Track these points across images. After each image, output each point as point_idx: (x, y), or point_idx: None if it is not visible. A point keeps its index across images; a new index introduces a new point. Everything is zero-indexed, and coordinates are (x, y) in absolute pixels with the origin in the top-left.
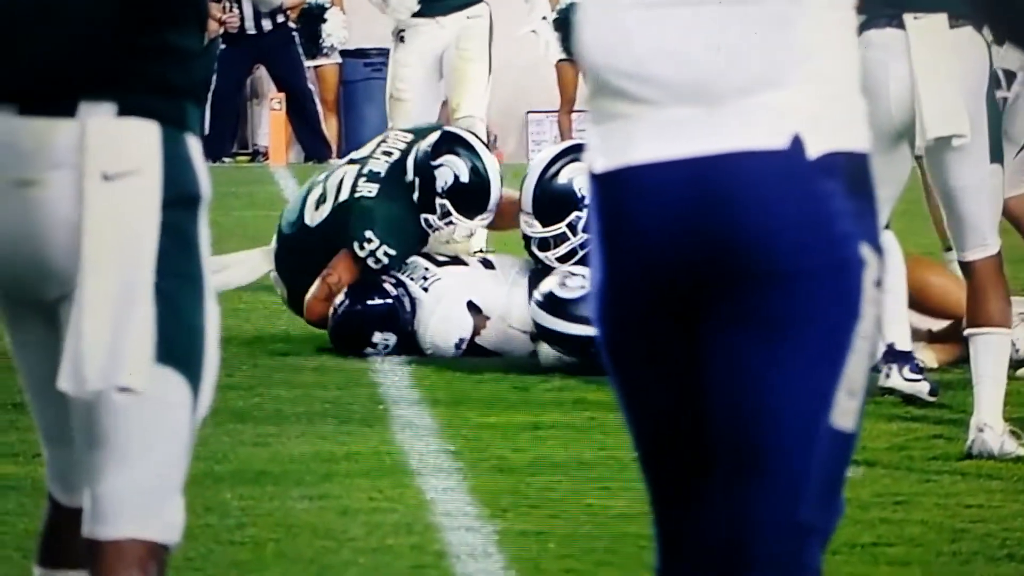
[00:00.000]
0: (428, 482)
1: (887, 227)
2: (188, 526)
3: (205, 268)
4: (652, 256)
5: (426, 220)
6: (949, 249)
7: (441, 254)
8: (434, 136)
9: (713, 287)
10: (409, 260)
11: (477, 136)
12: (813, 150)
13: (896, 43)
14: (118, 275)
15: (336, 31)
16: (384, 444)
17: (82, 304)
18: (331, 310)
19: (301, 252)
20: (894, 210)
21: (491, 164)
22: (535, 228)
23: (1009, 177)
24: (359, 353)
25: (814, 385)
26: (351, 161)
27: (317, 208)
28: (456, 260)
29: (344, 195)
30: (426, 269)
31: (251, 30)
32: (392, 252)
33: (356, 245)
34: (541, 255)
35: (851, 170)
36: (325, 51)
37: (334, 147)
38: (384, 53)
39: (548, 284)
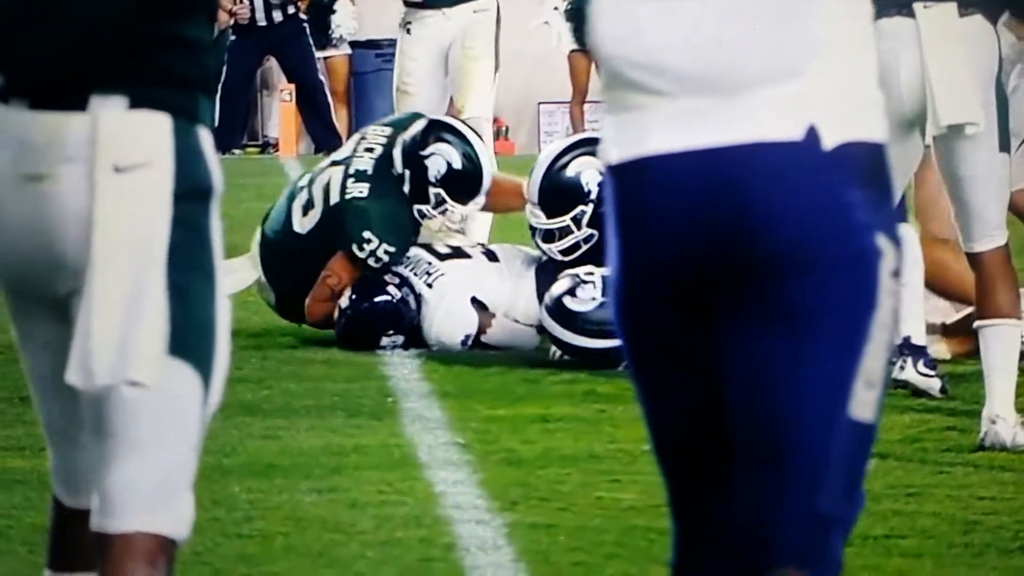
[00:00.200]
0: (437, 475)
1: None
2: (196, 519)
3: (217, 261)
4: (667, 246)
5: (419, 211)
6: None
7: (445, 245)
8: (418, 126)
9: (729, 278)
10: (411, 253)
11: (463, 121)
12: (829, 141)
13: (907, 32)
14: (129, 268)
15: (345, 22)
16: (393, 437)
17: (92, 297)
18: (336, 313)
19: (291, 258)
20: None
21: (480, 147)
22: (540, 219)
23: (1012, 171)
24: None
25: (832, 377)
26: (333, 163)
27: (305, 214)
28: (459, 252)
29: (334, 198)
30: (429, 264)
31: (262, 21)
32: (391, 249)
33: (355, 247)
34: (545, 247)
35: (867, 160)
36: (334, 42)
37: (344, 138)
38: (395, 44)
39: (558, 290)
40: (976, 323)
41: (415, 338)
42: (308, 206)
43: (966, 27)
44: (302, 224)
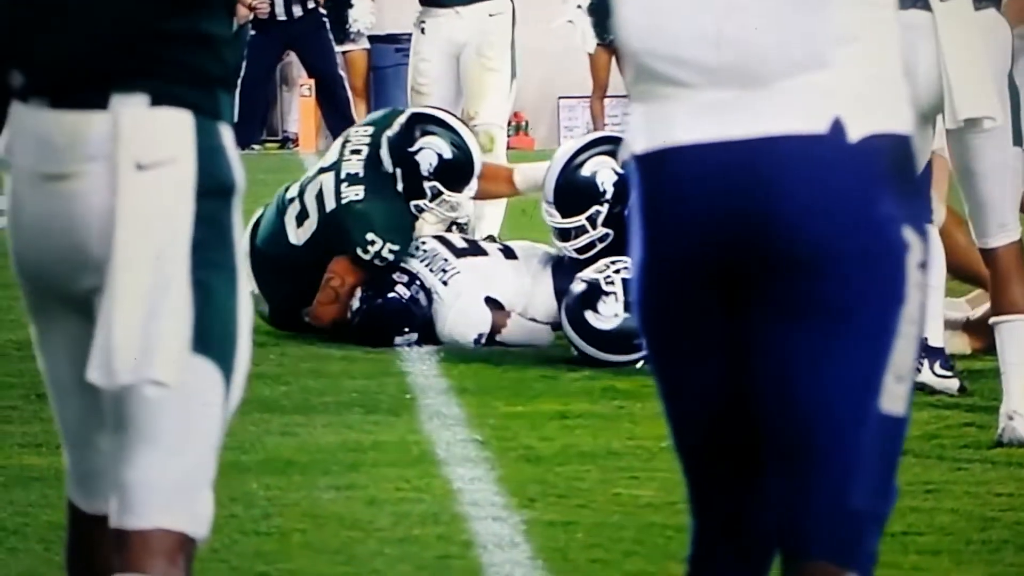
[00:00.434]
0: (455, 472)
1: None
2: (214, 516)
3: (239, 258)
4: (691, 237)
5: (416, 206)
6: None
7: (462, 239)
8: (400, 122)
9: (755, 272)
10: (427, 247)
11: (443, 109)
12: (854, 133)
13: (923, 25)
14: (152, 265)
15: (363, 16)
16: (411, 433)
17: (114, 294)
18: (348, 315)
19: (288, 270)
20: None
21: (466, 133)
22: (555, 218)
23: None
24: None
25: (862, 371)
26: (322, 170)
27: (300, 225)
28: (476, 249)
29: (330, 204)
30: (445, 260)
31: (281, 16)
32: (395, 248)
33: (359, 250)
34: (560, 245)
35: (893, 152)
36: (352, 36)
37: None
38: None
39: (579, 301)
40: (992, 319)
41: (429, 334)
42: (302, 216)
43: (981, 20)
44: (297, 235)
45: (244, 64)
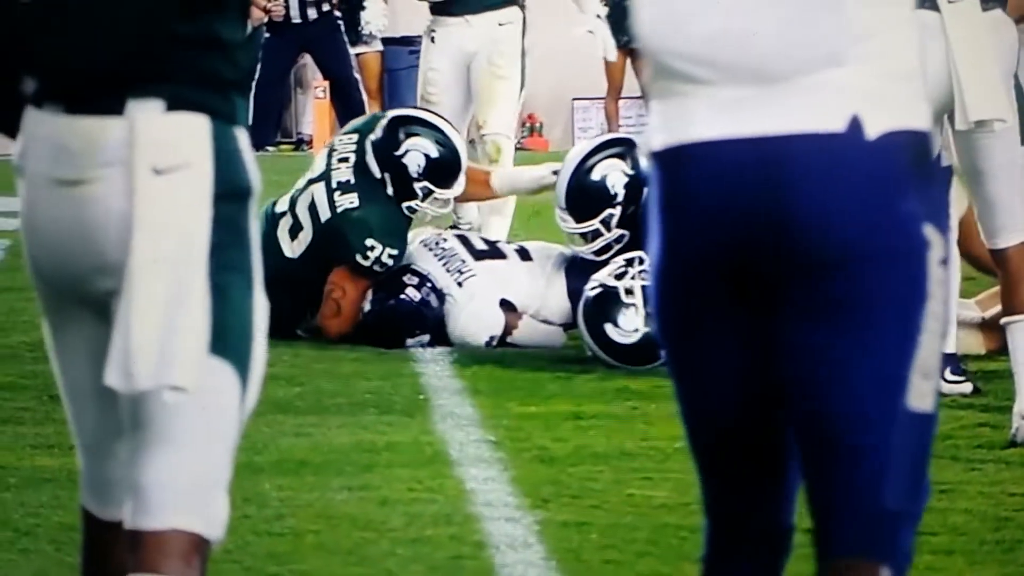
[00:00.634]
0: (468, 472)
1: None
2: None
3: (255, 260)
4: (708, 234)
5: (408, 207)
6: None
7: (481, 239)
8: (382, 126)
9: (775, 270)
10: (446, 246)
11: (423, 108)
12: (872, 130)
13: (932, 25)
14: (169, 269)
15: (375, 19)
16: (425, 434)
17: (131, 299)
18: (361, 318)
19: (283, 283)
20: None
21: (448, 128)
22: (569, 224)
23: None
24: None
25: (889, 369)
26: (311, 181)
27: (295, 238)
28: (495, 251)
29: (324, 214)
30: (463, 261)
31: (296, 19)
32: (394, 252)
33: (359, 256)
34: (577, 249)
35: (912, 149)
36: (365, 39)
37: None
38: None
39: (598, 313)
40: (1003, 320)
41: (441, 336)
42: (296, 229)
43: (989, 21)
44: (292, 249)
45: (259, 66)
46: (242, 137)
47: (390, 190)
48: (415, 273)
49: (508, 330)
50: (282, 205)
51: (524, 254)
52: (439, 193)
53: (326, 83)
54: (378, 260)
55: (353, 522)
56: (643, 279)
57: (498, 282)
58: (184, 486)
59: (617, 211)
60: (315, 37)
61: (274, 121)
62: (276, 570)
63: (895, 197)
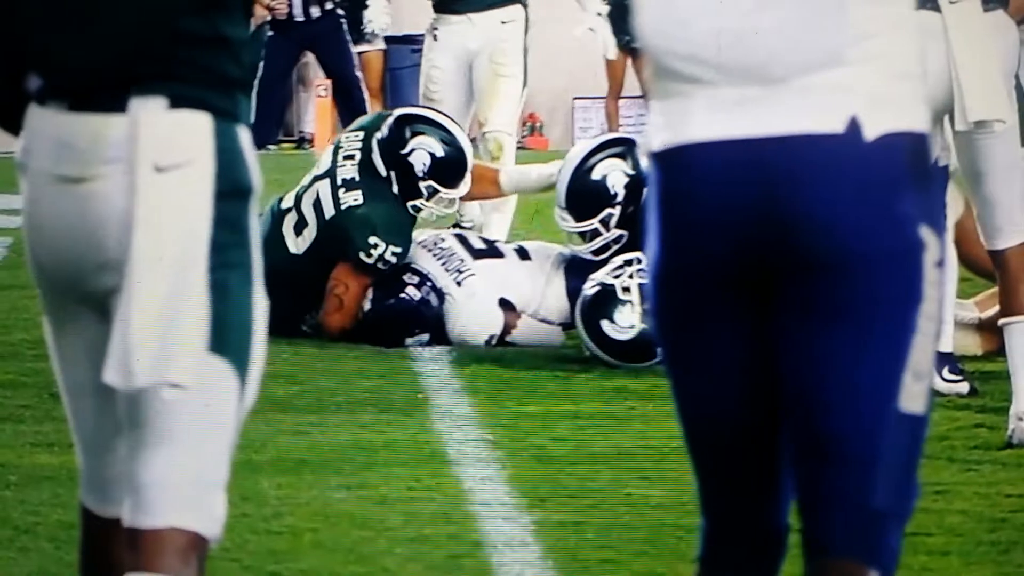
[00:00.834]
0: (466, 471)
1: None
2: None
3: (256, 259)
4: (705, 233)
5: (413, 206)
6: None
7: (479, 239)
8: (387, 125)
9: (772, 270)
10: (445, 245)
11: (427, 107)
12: (870, 132)
13: (933, 26)
14: (170, 267)
15: (378, 17)
16: (423, 433)
17: (132, 296)
18: (361, 317)
19: (288, 279)
20: None
21: (455, 128)
22: (569, 223)
23: None
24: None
25: (881, 370)
26: (316, 178)
27: (299, 234)
28: (493, 250)
29: (329, 211)
30: (461, 261)
31: (299, 17)
32: (398, 250)
33: (362, 254)
34: (576, 248)
35: (910, 151)
36: (368, 37)
37: None
38: None
39: (595, 310)
40: (1001, 321)
41: (441, 335)
42: (300, 225)
43: (990, 21)
44: (297, 244)
45: (261, 64)
46: (244, 135)
47: (395, 188)
48: (415, 272)
49: (507, 329)
50: (288, 201)
51: (523, 253)
52: (444, 193)
53: (328, 81)
54: (381, 258)
55: (351, 521)
56: (641, 278)
57: (497, 281)
58: (182, 484)
59: (616, 211)
60: (317, 35)
61: (276, 119)
62: (274, 568)
63: (891, 198)
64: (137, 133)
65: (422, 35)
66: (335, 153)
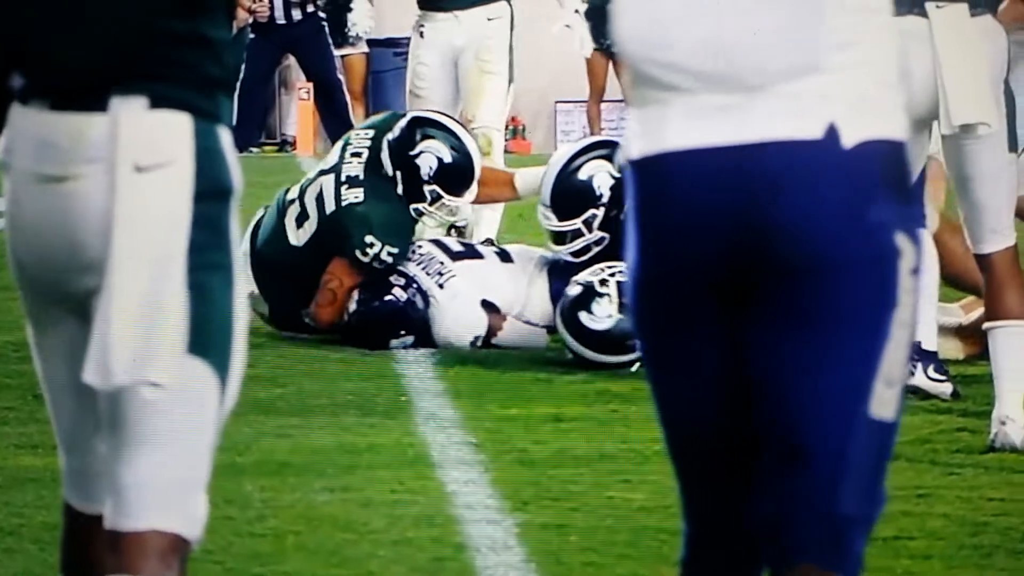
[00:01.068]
0: (450, 474)
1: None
2: (208, 518)
3: (236, 260)
4: (684, 241)
5: (415, 209)
6: None
7: (457, 242)
8: (401, 125)
9: (748, 277)
10: (423, 250)
11: (441, 112)
12: (849, 139)
13: (919, 31)
14: (149, 267)
15: (361, 20)
16: (406, 436)
17: (111, 296)
18: (345, 317)
19: (289, 271)
20: None
21: (466, 137)
22: (552, 222)
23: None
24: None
25: (852, 376)
26: (322, 172)
27: (300, 226)
28: (472, 252)
29: (330, 206)
30: (441, 263)
31: (281, 20)
32: (394, 251)
33: (358, 252)
34: (556, 248)
35: (888, 158)
36: (351, 40)
37: None
38: None
39: (573, 302)
40: (985, 324)
41: (425, 337)
42: (302, 218)
43: (977, 26)
44: (297, 236)
45: (243, 67)
46: (225, 136)
47: (400, 189)
48: (401, 274)
49: (493, 331)
50: (293, 193)
51: (504, 256)
52: (448, 199)
53: (310, 84)
54: (377, 257)
55: (335, 523)
56: (621, 276)
57: (478, 282)
58: (163, 486)
59: (600, 212)
60: (299, 38)
61: (258, 122)
62: (258, 571)
63: (867, 205)
64: (117, 133)
65: (405, 38)
66: (343, 149)
